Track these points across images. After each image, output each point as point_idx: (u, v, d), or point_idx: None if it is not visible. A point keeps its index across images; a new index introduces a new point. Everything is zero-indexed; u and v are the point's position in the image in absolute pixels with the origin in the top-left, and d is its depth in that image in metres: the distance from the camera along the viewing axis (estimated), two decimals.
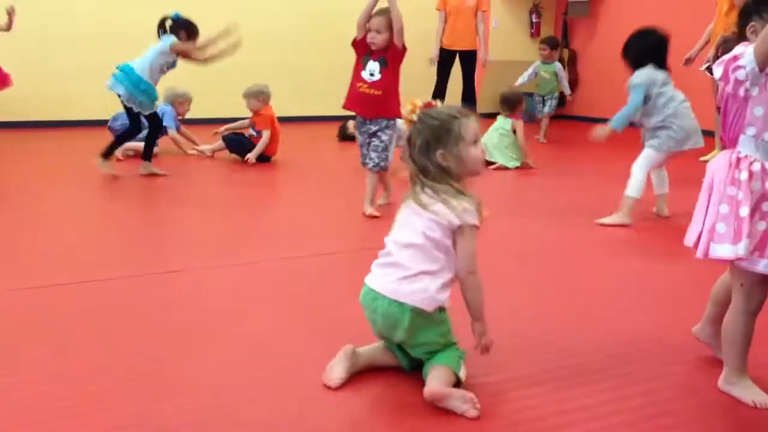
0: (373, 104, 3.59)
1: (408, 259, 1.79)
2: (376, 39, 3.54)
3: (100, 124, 7.41)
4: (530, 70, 7.03)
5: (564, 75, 7.11)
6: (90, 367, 1.92)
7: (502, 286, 2.53)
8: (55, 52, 7.38)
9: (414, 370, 1.89)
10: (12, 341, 2.09)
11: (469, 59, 7.04)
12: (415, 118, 1.84)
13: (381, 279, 1.83)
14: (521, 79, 6.96)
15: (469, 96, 7.09)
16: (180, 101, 5.88)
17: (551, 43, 7.00)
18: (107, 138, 5.67)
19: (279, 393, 1.80)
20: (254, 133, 5.51)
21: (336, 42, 8.48)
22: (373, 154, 3.64)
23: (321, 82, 8.16)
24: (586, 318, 2.36)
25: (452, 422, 1.68)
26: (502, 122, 5.58)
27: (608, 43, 8.58)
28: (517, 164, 5.42)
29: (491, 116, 8.91)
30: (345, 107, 3.74)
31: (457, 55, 7.01)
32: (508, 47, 9.26)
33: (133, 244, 3.20)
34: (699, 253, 1.77)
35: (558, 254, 3.11)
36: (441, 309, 1.83)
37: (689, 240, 1.82)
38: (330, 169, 5.44)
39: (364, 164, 3.73)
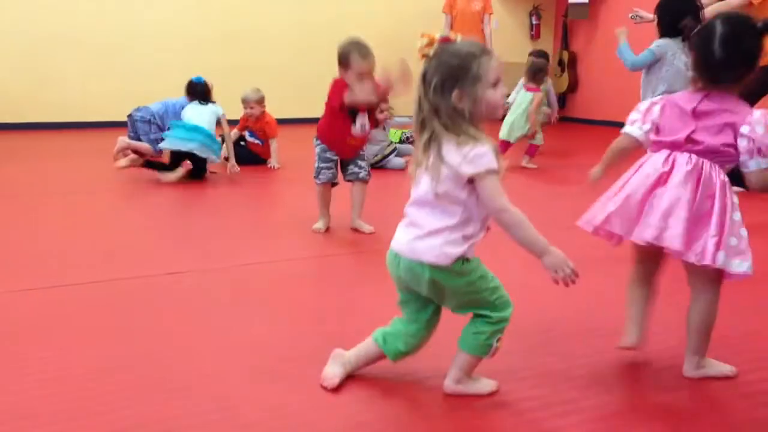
0: (360, 146, 3.51)
1: (424, 217, 1.72)
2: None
3: (100, 126, 7.47)
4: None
5: (553, 95, 6.46)
6: (92, 369, 1.92)
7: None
8: (53, 55, 7.38)
9: (402, 356, 1.85)
10: (14, 342, 2.09)
11: None
12: (431, 53, 1.69)
13: (401, 239, 1.77)
14: (511, 97, 6.50)
15: None
16: None
17: (533, 70, 5.72)
18: (107, 139, 5.70)
19: (281, 394, 1.81)
20: (252, 139, 5.46)
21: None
22: (362, 163, 3.48)
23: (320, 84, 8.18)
24: (586, 321, 2.36)
25: (462, 423, 1.69)
26: (524, 96, 5.45)
27: (608, 45, 8.59)
28: (522, 134, 5.40)
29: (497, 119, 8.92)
30: (325, 143, 3.43)
31: None
32: (509, 49, 9.27)
33: (134, 246, 3.21)
34: (708, 260, 1.74)
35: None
36: (464, 260, 1.71)
37: (683, 246, 1.76)
38: None
39: (348, 179, 3.50)
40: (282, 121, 5.81)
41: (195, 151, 4.63)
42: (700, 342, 1.90)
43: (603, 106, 8.61)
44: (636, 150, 1.94)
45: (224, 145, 5.23)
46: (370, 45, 3.23)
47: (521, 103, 5.41)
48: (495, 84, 1.68)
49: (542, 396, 1.83)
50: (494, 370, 1.90)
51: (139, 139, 5.49)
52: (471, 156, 1.63)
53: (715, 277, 1.83)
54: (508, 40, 9.24)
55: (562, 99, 9.32)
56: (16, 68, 7.26)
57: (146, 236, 3.43)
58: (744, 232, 1.79)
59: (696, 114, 1.78)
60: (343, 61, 3.22)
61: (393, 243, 1.81)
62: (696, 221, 1.76)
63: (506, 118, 5.43)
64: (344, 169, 3.50)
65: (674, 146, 1.80)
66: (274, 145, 5.35)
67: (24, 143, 6.44)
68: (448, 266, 1.70)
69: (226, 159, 5.07)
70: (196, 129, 4.70)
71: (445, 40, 1.69)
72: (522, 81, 5.60)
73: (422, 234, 1.72)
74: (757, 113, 1.76)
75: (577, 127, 8.63)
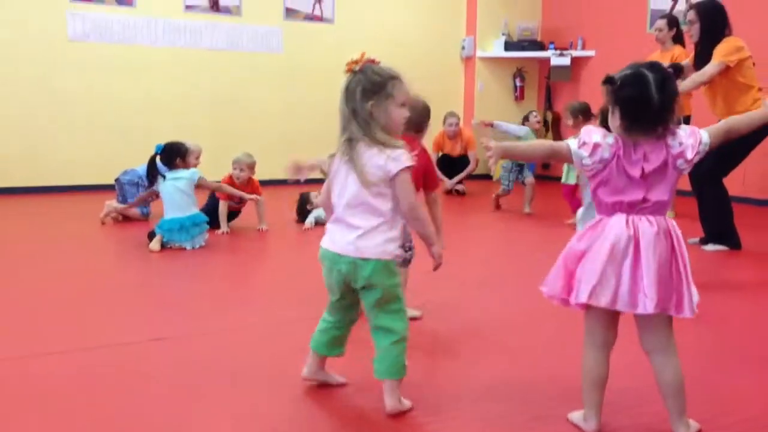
0: None
1: (360, 218, 1.99)
2: None
3: (88, 189, 7.49)
4: (517, 130, 6.64)
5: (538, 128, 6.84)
6: None
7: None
8: (41, 119, 7.45)
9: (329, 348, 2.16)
10: (1, 411, 2.06)
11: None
12: (357, 68, 2.00)
13: (341, 241, 2.01)
14: (504, 126, 6.77)
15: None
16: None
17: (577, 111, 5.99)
18: (95, 202, 5.71)
19: None
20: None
21: (322, 108, 8.69)
22: None
23: (310, 146, 8.28)
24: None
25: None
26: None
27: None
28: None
29: (483, 177, 9.12)
30: None
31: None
32: (493, 110, 9.45)
33: (119, 311, 3.18)
34: (687, 312, 1.80)
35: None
36: (396, 262, 2.02)
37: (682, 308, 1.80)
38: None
39: None
40: (267, 183, 5.84)
41: (186, 246, 4.55)
42: (684, 401, 1.86)
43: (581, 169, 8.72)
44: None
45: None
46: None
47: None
48: (402, 104, 2.01)
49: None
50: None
51: (126, 203, 5.52)
52: (394, 155, 1.95)
53: (671, 327, 1.85)
54: (492, 101, 9.43)
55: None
56: (4, 132, 7.31)
57: (133, 300, 3.40)
58: None
59: (644, 176, 1.78)
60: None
61: (330, 245, 2.05)
62: (669, 277, 1.79)
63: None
64: None
65: (630, 207, 1.80)
66: (261, 207, 5.35)
67: (11, 207, 6.43)
68: (387, 263, 1.99)
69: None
70: (182, 227, 4.56)
71: (371, 61, 2.03)
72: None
73: (363, 233, 1.98)
74: (681, 132, 1.80)
75: (559, 185, 8.71)
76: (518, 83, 9.65)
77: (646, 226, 1.77)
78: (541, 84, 9.71)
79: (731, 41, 4.46)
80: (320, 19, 8.68)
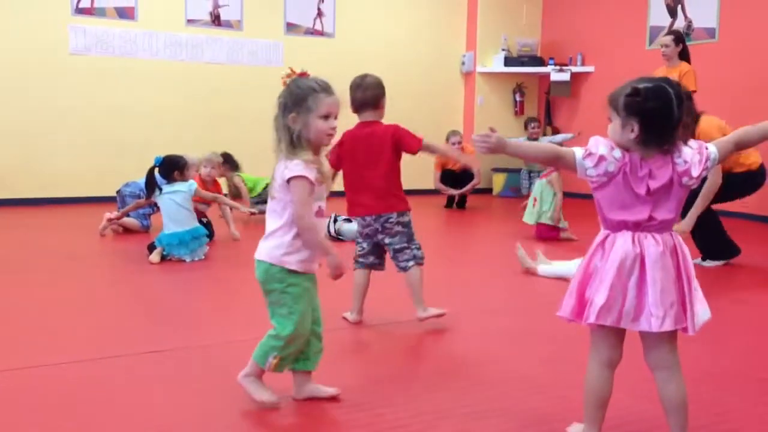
0: None
1: (268, 222, 2.14)
2: None
3: (89, 201, 7.50)
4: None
5: (551, 138, 7.28)
6: None
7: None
8: (42, 131, 7.47)
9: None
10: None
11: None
12: (288, 81, 2.14)
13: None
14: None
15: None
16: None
17: (538, 121, 7.25)
18: (98, 214, 5.71)
19: None
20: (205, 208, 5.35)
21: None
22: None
23: None
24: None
25: None
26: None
27: (589, 121, 8.83)
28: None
29: (484, 192, 9.13)
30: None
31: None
32: (494, 125, 9.40)
33: (117, 323, 3.17)
34: (692, 330, 1.78)
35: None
36: (288, 270, 2.08)
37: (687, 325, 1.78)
38: None
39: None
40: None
41: (186, 259, 4.56)
42: (686, 418, 1.84)
43: (583, 180, 8.74)
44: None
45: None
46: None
47: None
48: (325, 117, 2.07)
49: None
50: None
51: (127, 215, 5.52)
52: (291, 165, 2.04)
53: (675, 345, 1.83)
54: (492, 116, 9.46)
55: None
56: (5, 143, 7.33)
57: (130, 313, 3.39)
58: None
59: (650, 193, 1.77)
60: None
61: None
62: (674, 295, 1.77)
63: None
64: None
65: (636, 226, 1.78)
66: (228, 212, 5.35)
67: (12, 218, 6.43)
68: (272, 267, 2.08)
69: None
70: (181, 241, 4.57)
71: (302, 74, 2.15)
72: None
73: (265, 236, 2.13)
74: (687, 150, 1.78)
75: (568, 201, 8.72)
76: (518, 98, 9.69)
77: (652, 244, 1.76)
78: (541, 99, 9.75)
79: (711, 125, 4.33)
80: (321, 33, 8.73)
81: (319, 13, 8.70)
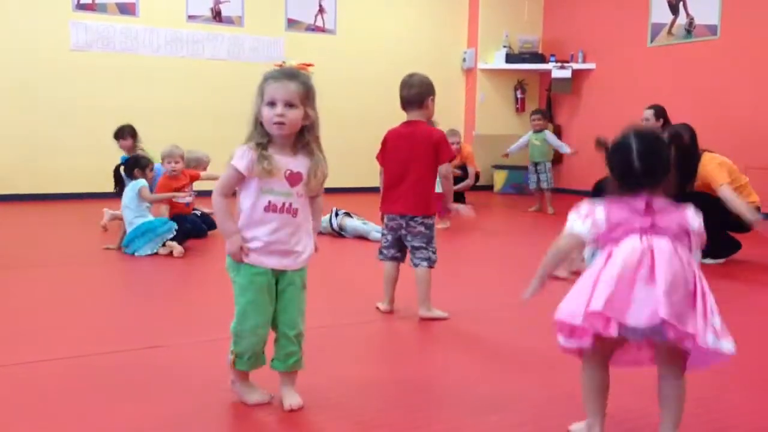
0: None
1: None
2: None
3: (91, 197, 7.50)
4: (522, 139, 7.41)
5: (555, 138, 7.45)
6: None
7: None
8: (44, 128, 7.48)
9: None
10: None
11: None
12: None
13: None
14: (513, 147, 7.44)
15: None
16: (194, 165, 5.73)
17: (543, 113, 7.46)
18: (98, 210, 5.72)
19: None
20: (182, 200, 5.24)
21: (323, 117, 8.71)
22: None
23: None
24: None
25: None
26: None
27: (590, 118, 8.83)
28: None
29: (485, 188, 9.14)
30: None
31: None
32: (495, 121, 9.50)
33: (117, 318, 3.17)
34: (702, 342, 1.69)
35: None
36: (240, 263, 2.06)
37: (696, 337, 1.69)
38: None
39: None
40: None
41: (159, 252, 4.58)
42: (678, 415, 1.82)
43: (587, 176, 8.74)
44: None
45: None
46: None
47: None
48: (270, 104, 2.02)
49: None
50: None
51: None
52: (235, 150, 2.07)
53: (685, 363, 1.80)
54: (493, 113, 9.46)
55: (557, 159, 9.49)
56: (5, 140, 7.34)
57: (129, 308, 3.40)
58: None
59: (649, 209, 1.77)
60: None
61: None
62: (687, 302, 1.71)
63: None
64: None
65: (643, 231, 1.76)
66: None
67: (13, 214, 6.44)
68: (228, 257, 2.08)
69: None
70: (143, 233, 4.59)
71: (301, 66, 2.13)
72: None
73: None
74: (690, 209, 1.80)
75: (561, 197, 8.73)
76: (519, 95, 9.68)
77: (663, 243, 1.73)
78: (542, 96, 9.74)
79: (714, 163, 4.43)
80: (322, 30, 8.73)
81: (321, 10, 8.70)
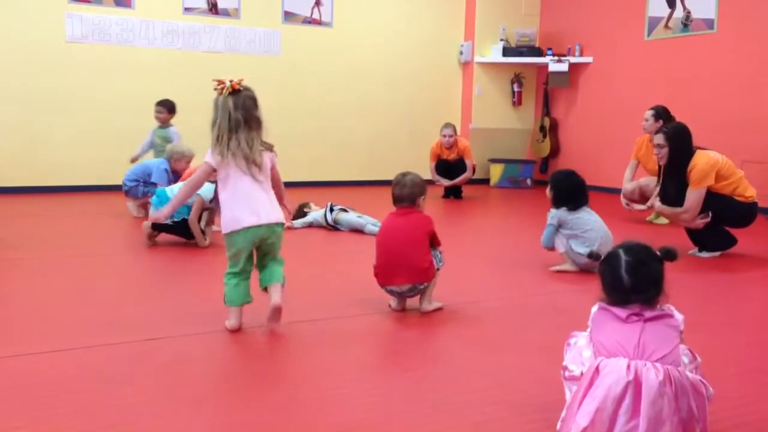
0: None
1: (261, 194, 2.90)
2: None
3: (88, 189, 7.49)
4: None
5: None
6: None
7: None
8: (42, 120, 7.46)
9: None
10: None
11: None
12: (241, 87, 2.86)
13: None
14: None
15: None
16: (177, 158, 5.72)
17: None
18: (96, 203, 5.71)
19: None
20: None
21: (320, 110, 8.70)
22: None
23: (307, 148, 8.33)
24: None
25: None
26: None
27: (587, 111, 8.83)
28: None
29: (481, 182, 9.15)
30: None
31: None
32: (492, 115, 9.49)
33: (114, 311, 3.17)
34: None
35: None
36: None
37: None
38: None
39: None
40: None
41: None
42: None
43: (583, 170, 8.72)
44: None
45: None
46: None
47: None
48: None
49: None
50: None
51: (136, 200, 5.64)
52: None
53: None
54: (490, 106, 9.46)
55: (545, 163, 9.49)
56: (5, 132, 7.32)
57: (128, 300, 3.40)
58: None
59: (639, 316, 1.78)
60: None
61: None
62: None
63: None
64: None
65: (631, 357, 1.74)
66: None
67: (8, 207, 6.42)
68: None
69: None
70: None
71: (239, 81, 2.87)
72: None
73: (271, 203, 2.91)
74: (678, 315, 1.82)
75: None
76: (516, 89, 9.67)
77: (651, 375, 1.68)
78: (539, 90, 9.73)
79: (703, 162, 4.41)
80: (319, 22, 8.70)
81: (317, 2, 8.67)
